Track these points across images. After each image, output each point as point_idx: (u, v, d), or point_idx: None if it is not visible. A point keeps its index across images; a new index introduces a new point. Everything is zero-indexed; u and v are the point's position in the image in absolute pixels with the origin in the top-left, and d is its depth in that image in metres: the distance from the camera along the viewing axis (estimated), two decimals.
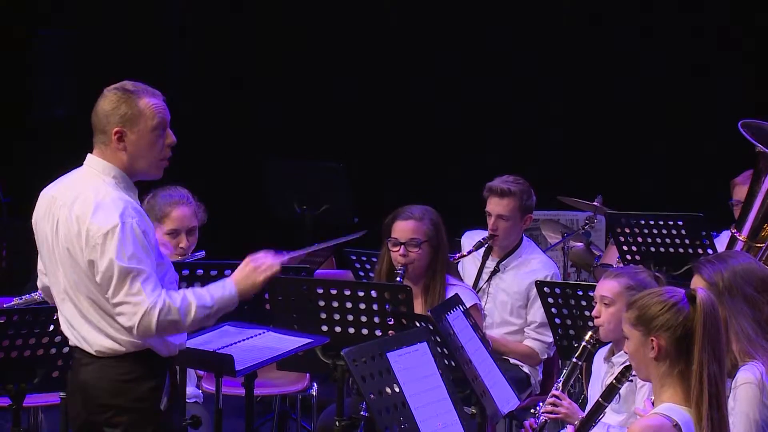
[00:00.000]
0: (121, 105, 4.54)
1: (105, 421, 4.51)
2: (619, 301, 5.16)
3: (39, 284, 4.80)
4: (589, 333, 5.27)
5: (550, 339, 6.32)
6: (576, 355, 5.28)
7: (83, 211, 4.44)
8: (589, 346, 5.27)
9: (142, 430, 4.51)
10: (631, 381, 4.84)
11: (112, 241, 4.37)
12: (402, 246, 5.92)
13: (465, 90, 10.74)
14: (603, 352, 5.32)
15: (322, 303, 5.23)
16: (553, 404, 5.14)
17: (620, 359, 5.17)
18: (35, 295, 5.61)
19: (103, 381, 4.49)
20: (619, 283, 5.19)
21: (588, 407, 5.01)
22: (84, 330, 4.50)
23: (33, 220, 4.65)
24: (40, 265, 4.73)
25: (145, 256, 4.42)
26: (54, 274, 4.58)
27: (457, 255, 6.64)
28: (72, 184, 4.58)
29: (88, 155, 4.62)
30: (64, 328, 4.60)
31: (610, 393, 4.71)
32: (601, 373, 5.28)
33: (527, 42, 10.61)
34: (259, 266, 4.63)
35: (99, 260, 4.39)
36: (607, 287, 5.22)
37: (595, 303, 5.28)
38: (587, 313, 5.57)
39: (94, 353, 4.49)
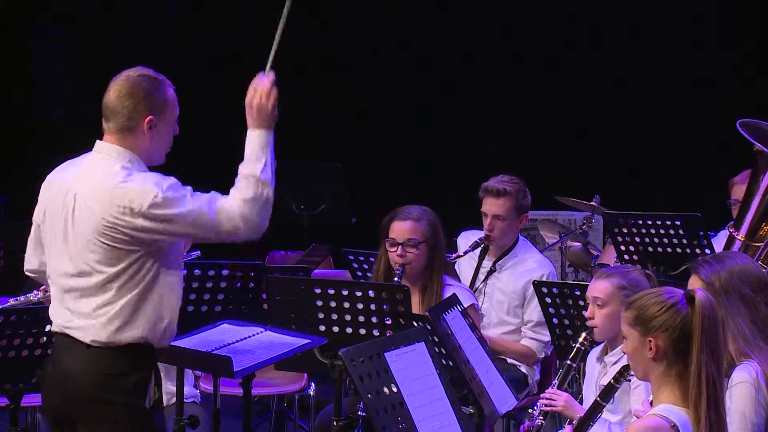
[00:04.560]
0: (153, 92, 4.57)
1: (87, 414, 4.49)
2: (611, 301, 5.16)
3: (27, 266, 4.79)
4: (583, 334, 5.27)
5: (547, 338, 6.32)
6: (570, 356, 5.28)
7: (115, 188, 4.43)
8: (583, 348, 5.27)
9: (125, 426, 4.50)
10: (629, 381, 4.84)
11: (166, 199, 4.41)
12: (399, 246, 5.92)
13: (463, 90, 10.75)
14: (596, 351, 5.32)
15: (319, 303, 5.23)
16: (549, 398, 5.15)
17: (612, 358, 5.18)
18: (31, 296, 5.61)
19: (89, 372, 4.47)
20: (611, 284, 5.19)
21: (584, 407, 5.02)
22: (88, 313, 4.49)
23: (40, 207, 4.64)
24: (30, 250, 4.74)
25: (195, 193, 4.48)
26: (67, 260, 4.53)
27: (453, 255, 6.64)
28: (88, 170, 4.55)
29: (99, 142, 4.60)
30: (59, 312, 4.56)
31: (607, 393, 4.71)
32: (595, 372, 5.29)
33: (527, 42, 10.62)
34: (253, 92, 4.66)
35: (168, 220, 4.41)
36: (599, 288, 5.22)
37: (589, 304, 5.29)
38: (585, 313, 5.58)
39: (89, 342, 4.48)
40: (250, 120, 4.64)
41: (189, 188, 4.51)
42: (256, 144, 4.59)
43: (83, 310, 4.50)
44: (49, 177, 4.66)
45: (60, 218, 4.55)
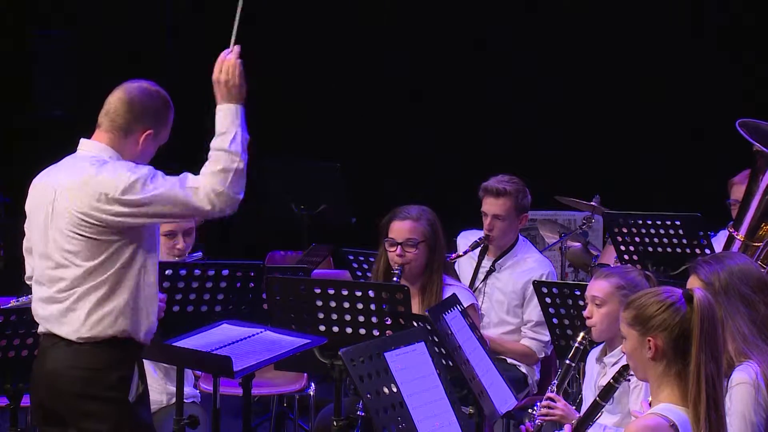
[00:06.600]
0: (163, 110, 4.68)
1: (74, 410, 4.54)
2: (610, 301, 5.16)
3: (27, 274, 4.83)
4: (582, 334, 5.26)
5: (547, 338, 6.32)
6: (569, 356, 5.27)
7: (90, 178, 4.49)
8: (581, 348, 5.27)
9: (110, 420, 4.53)
10: (629, 381, 4.84)
11: (138, 182, 4.46)
12: (399, 246, 5.91)
13: (464, 90, 10.74)
14: (595, 352, 5.32)
15: (319, 303, 5.22)
16: (548, 407, 5.14)
17: (612, 359, 5.17)
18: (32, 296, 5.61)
19: (72, 368, 4.53)
20: (610, 283, 5.19)
21: (583, 407, 5.01)
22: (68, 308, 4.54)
23: (27, 209, 4.71)
24: (27, 258, 4.79)
25: (166, 176, 4.53)
26: (46, 257, 4.60)
27: (453, 255, 6.64)
28: (67, 167, 4.63)
29: (84, 141, 4.67)
30: (42, 312, 4.62)
31: (607, 393, 4.70)
32: (594, 373, 5.29)
33: (527, 42, 10.62)
34: (219, 68, 4.79)
35: (142, 204, 4.46)
36: (597, 287, 5.22)
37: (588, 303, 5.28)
38: (584, 312, 5.58)
39: (70, 338, 4.52)
40: (218, 96, 4.72)
41: (160, 172, 4.56)
42: (225, 117, 4.66)
43: (63, 307, 4.55)
44: (33, 181, 4.73)
45: (42, 216, 4.61)
